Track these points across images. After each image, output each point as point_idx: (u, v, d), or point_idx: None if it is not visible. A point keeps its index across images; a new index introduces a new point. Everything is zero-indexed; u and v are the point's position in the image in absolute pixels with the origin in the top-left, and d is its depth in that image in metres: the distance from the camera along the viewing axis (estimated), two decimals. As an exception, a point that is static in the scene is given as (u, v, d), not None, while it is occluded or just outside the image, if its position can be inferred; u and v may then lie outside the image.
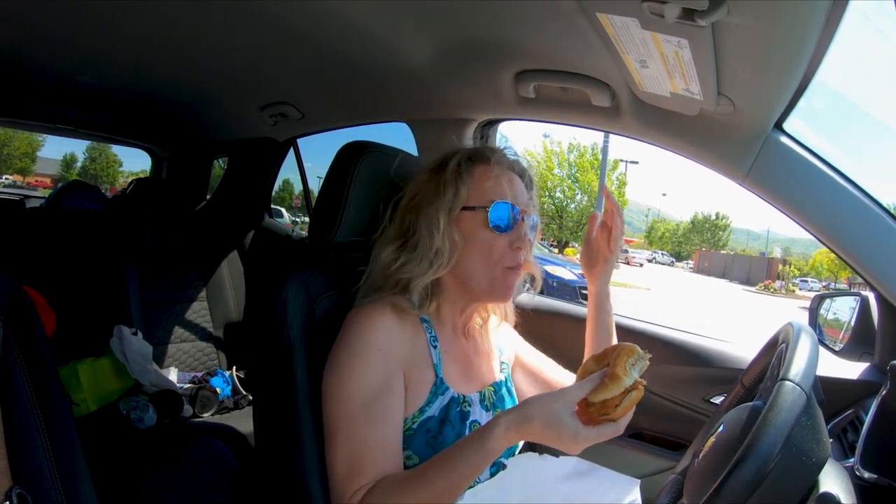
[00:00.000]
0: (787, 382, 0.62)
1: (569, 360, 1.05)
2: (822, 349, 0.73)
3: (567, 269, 8.83)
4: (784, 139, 1.00)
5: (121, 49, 1.56)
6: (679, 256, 58.18)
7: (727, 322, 11.93)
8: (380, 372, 0.78)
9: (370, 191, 0.93)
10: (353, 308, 0.84)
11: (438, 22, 1.06)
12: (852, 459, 0.78)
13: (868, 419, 0.82)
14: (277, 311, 0.85)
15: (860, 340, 1.05)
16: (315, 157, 2.96)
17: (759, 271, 38.97)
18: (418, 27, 1.10)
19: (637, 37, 0.76)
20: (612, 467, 0.92)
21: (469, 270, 0.85)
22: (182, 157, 2.92)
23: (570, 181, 24.72)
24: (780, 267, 39.44)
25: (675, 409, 1.23)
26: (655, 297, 16.62)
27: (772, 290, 30.85)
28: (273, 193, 2.63)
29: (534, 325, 1.08)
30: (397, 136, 1.54)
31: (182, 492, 1.37)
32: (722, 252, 52.03)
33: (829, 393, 0.75)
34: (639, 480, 0.92)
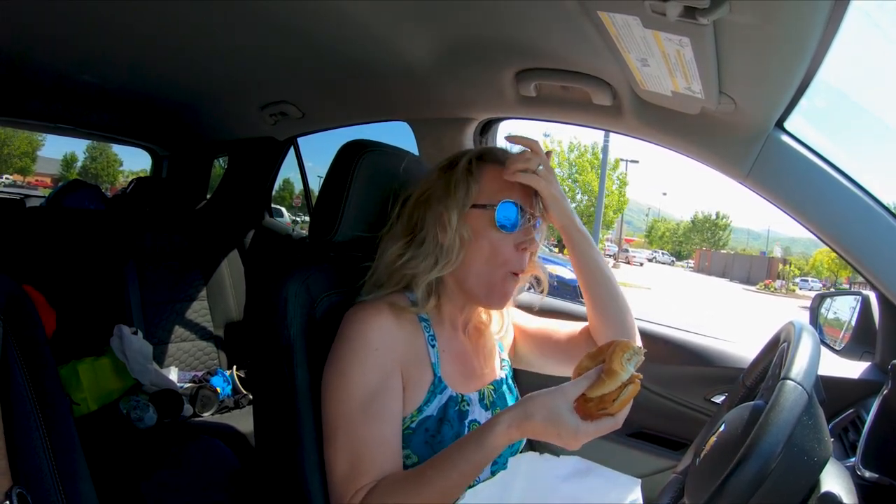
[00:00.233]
0: (789, 382, 0.62)
1: (569, 359, 1.05)
2: (823, 348, 0.73)
3: (567, 269, 8.79)
4: (785, 138, 1.00)
5: (121, 48, 1.56)
6: (679, 256, 58.22)
7: (728, 321, 11.93)
8: (377, 371, 0.78)
9: (370, 190, 0.93)
10: (353, 306, 0.84)
11: (439, 21, 1.06)
12: (853, 459, 0.78)
13: (869, 418, 0.82)
14: (278, 311, 0.85)
15: (861, 340, 1.05)
16: (315, 156, 2.96)
17: (759, 271, 38.97)
18: (419, 26, 1.09)
19: (638, 35, 0.76)
20: (613, 467, 0.92)
21: (471, 272, 0.85)
22: (182, 156, 2.92)
23: (570, 181, 24.71)
24: (781, 266, 39.45)
25: (676, 409, 1.23)
26: (656, 297, 16.63)
27: (772, 289, 30.86)
28: (273, 193, 2.63)
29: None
30: (398, 135, 1.54)
31: (182, 491, 1.37)
32: (722, 251, 52.06)
33: (830, 392, 0.75)
34: (640, 480, 0.91)
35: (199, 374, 1.95)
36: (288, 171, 2.48)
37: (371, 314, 0.81)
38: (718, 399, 1.18)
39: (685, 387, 1.22)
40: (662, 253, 56.08)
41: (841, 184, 0.97)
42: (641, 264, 38.42)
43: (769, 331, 0.85)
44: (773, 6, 0.63)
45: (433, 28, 1.09)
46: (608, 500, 0.88)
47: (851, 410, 0.99)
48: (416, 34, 1.13)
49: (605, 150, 20.64)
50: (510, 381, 0.98)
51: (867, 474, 0.74)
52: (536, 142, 0.88)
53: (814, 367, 0.65)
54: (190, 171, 2.85)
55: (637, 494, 0.90)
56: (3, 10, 1.32)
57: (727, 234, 56.15)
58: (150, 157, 3.26)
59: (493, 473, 0.85)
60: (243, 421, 1.74)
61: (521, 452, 0.93)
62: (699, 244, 55.42)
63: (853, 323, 1.08)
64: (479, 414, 0.87)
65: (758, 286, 32.20)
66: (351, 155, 0.93)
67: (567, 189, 24.77)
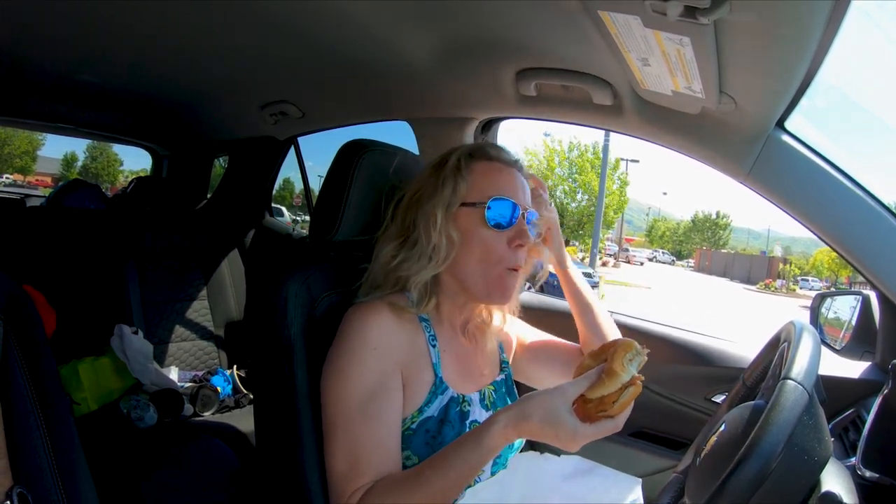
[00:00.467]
0: (790, 381, 0.62)
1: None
2: (823, 348, 0.73)
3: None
4: (786, 138, 1.00)
5: (121, 48, 1.56)
6: (680, 255, 58.21)
7: (728, 321, 11.93)
8: (376, 371, 0.78)
9: (371, 189, 0.93)
10: (352, 306, 0.84)
11: (439, 20, 1.06)
12: (854, 458, 0.78)
13: (869, 418, 0.82)
14: (278, 310, 0.85)
15: (861, 339, 1.05)
16: (316, 155, 2.96)
17: (759, 270, 38.94)
18: (419, 26, 1.09)
19: (639, 35, 0.76)
20: (614, 466, 0.92)
21: (467, 270, 0.84)
22: (183, 155, 2.92)
23: (570, 181, 24.68)
24: (781, 266, 39.42)
25: (676, 408, 1.23)
26: (656, 296, 16.63)
27: (773, 288, 30.85)
28: (274, 192, 2.63)
29: (534, 324, 1.08)
30: (398, 134, 1.54)
31: (182, 491, 1.37)
32: (723, 251, 52.03)
33: (830, 392, 0.75)
34: (640, 479, 0.92)
35: (200, 373, 1.95)
36: (288, 170, 2.48)
37: (370, 314, 0.80)
38: (719, 399, 1.18)
39: (686, 386, 1.22)
40: (663, 252, 56.11)
41: (841, 183, 0.97)
42: (642, 264, 38.47)
43: (769, 330, 0.85)
44: (773, 6, 0.63)
45: (433, 28, 1.09)
46: (609, 499, 0.88)
47: (852, 410, 0.99)
48: (416, 34, 1.13)
49: (605, 149, 20.62)
50: (510, 382, 0.98)
51: (867, 474, 0.74)
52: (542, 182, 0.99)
53: (814, 367, 0.65)
54: (190, 171, 2.85)
55: (637, 494, 0.90)
56: (3, 10, 1.32)
57: (727, 233, 56.10)
58: (150, 157, 3.27)
59: (492, 474, 0.85)
60: (244, 420, 1.74)
61: (521, 452, 0.93)
62: (699, 244, 55.39)
63: (853, 322, 1.08)
64: (479, 414, 0.86)
65: (758, 286, 32.19)
66: (351, 154, 0.92)
67: (567, 189, 24.77)
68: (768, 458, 0.57)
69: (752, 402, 0.72)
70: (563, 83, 1.13)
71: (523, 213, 0.85)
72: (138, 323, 1.91)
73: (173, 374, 1.87)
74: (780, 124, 1.00)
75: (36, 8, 1.28)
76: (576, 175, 24.38)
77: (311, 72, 1.53)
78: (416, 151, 1.34)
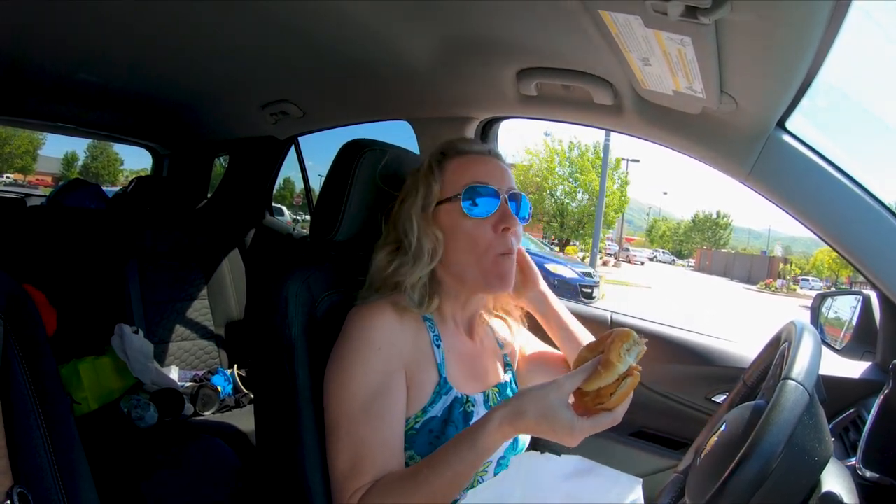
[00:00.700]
0: (790, 381, 0.62)
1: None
2: (824, 348, 0.73)
3: (568, 268, 8.82)
4: (787, 138, 1.00)
5: (122, 48, 1.56)
6: (680, 255, 58.20)
7: (728, 321, 11.92)
8: (379, 371, 0.78)
9: (371, 189, 0.93)
10: (354, 306, 0.84)
11: (440, 20, 1.06)
12: (854, 458, 0.78)
13: (870, 418, 0.81)
14: (279, 310, 0.85)
15: (862, 339, 1.05)
16: (316, 155, 2.96)
17: (760, 270, 38.91)
18: (419, 25, 1.09)
19: (640, 34, 0.76)
20: (614, 466, 0.91)
21: (459, 264, 0.85)
22: (183, 155, 2.92)
23: (571, 181, 24.66)
24: (782, 266, 39.43)
25: (676, 408, 1.23)
26: (656, 296, 16.63)
27: (773, 288, 30.83)
28: (274, 192, 2.63)
29: (534, 323, 1.08)
30: (399, 134, 1.53)
31: (183, 490, 1.37)
32: (723, 251, 52.04)
33: (830, 392, 0.75)
34: (640, 479, 0.91)
35: (200, 373, 1.95)
36: (289, 170, 2.48)
37: (374, 313, 0.80)
38: (719, 398, 1.18)
39: (686, 386, 1.22)
40: (663, 252, 56.08)
41: (842, 183, 0.97)
42: (642, 263, 38.42)
43: (770, 330, 0.85)
44: (774, 6, 0.63)
45: (434, 27, 1.09)
46: (609, 499, 0.87)
47: (852, 410, 0.99)
48: (416, 34, 1.13)
49: (606, 149, 20.59)
50: (514, 384, 0.98)
51: (868, 474, 0.74)
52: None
53: (815, 367, 0.65)
54: (191, 170, 2.85)
55: (638, 494, 0.89)
56: (3, 10, 1.32)
57: (728, 233, 56.13)
58: (150, 156, 3.27)
59: (496, 475, 0.85)
60: (244, 420, 1.74)
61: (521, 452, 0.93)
62: (700, 243, 55.42)
63: (854, 322, 1.07)
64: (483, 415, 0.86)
65: (758, 285, 32.15)
66: (352, 154, 0.93)
67: (568, 188, 24.76)
68: (769, 458, 0.57)
69: (753, 402, 0.72)
70: (564, 83, 1.13)
71: (505, 197, 0.85)
72: (139, 322, 1.91)
73: (174, 373, 1.87)
74: (781, 124, 1.00)
75: (36, 8, 1.28)
76: (576, 175, 24.36)
77: (312, 71, 1.53)
78: (416, 151, 1.34)
